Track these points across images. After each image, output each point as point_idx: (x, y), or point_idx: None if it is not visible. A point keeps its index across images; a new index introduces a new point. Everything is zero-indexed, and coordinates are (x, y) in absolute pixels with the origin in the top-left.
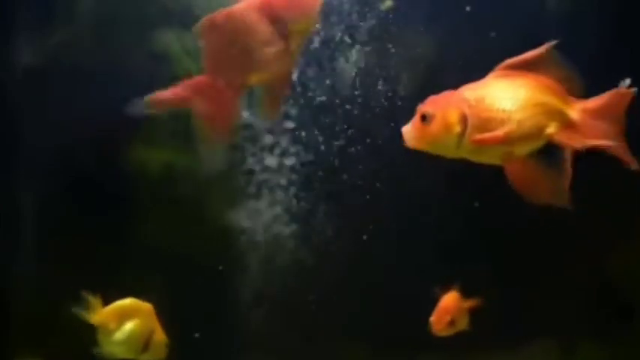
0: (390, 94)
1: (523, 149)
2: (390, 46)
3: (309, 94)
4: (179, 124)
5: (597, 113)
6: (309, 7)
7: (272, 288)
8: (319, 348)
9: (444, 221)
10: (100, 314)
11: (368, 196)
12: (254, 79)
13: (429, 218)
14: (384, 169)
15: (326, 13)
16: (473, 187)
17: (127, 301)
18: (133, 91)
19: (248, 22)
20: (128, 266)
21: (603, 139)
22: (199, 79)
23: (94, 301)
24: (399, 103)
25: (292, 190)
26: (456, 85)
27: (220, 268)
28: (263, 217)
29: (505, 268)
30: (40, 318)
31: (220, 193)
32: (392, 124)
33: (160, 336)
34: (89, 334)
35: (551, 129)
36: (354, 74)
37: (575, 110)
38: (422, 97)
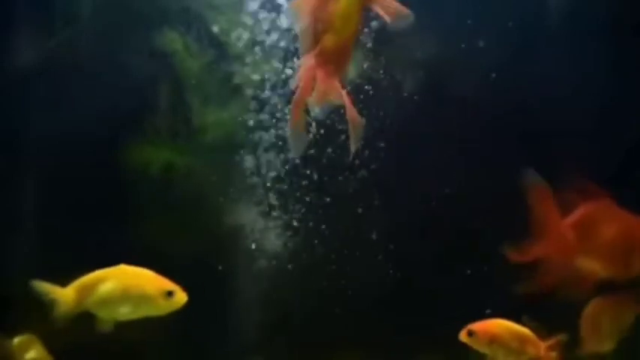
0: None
1: None
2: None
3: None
4: (179, 125)
5: None
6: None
7: (271, 287)
8: (318, 348)
9: (448, 221)
10: None
11: (365, 202)
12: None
13: (431, 215)
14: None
15: None
16: (479, 187)
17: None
18: (133, 90)
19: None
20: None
21: None
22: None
23: None
24: None
25: (291, 192)
26: None
27: (220, 267)
28: (262, 218)
29: (503, 268)
30: (40, 318)
31: (220, 193)
32: None
33: None
34: (88, 335)
35: None
36: None
37: None
38: None
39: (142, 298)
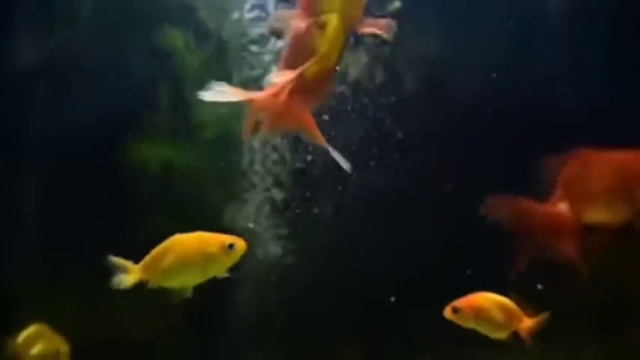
0: None
1: None
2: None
3: None
4: (179, 122)
5: None
6: None
7: (272, 286)
8: (318, 348)
9: (443, 221)
10: None
11: (365, 202)
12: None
13: (431, 215)
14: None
15: None
16: (477, 187)
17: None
18: (133, 88)
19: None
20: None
21: None
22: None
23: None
24: None
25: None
26: None
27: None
28: (263, 216)
29: (505, 268)
30: (39, 318)
31: (220, 191)
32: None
33: None
34: (89, 336)
35: None
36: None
37: None
38: None
39: (206, 260)
